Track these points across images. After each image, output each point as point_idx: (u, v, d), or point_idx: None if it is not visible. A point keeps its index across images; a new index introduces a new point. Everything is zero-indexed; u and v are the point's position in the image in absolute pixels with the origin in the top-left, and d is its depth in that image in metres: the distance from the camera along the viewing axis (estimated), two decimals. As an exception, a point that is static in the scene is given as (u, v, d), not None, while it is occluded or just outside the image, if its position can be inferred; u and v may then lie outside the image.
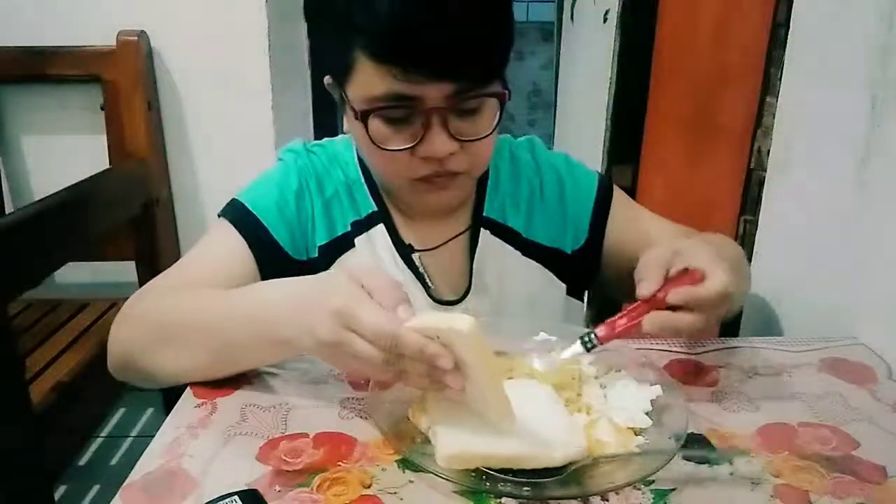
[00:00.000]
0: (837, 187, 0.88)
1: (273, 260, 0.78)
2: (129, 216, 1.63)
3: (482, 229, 0.83)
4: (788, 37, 1.00)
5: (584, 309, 0.97)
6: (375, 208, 0.82)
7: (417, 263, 0.82)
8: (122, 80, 1.65)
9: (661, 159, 1.76)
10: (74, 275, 1.72)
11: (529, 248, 0.85)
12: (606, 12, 1.93)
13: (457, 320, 0.52)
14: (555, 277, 0.87)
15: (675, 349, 0.78)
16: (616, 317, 0.65)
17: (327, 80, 0.75)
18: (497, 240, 0.84)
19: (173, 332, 0.68)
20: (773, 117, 1.04)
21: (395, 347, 0.53)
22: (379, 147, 0.70)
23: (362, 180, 0.83)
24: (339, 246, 0.81)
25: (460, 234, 0.84)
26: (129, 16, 1.66)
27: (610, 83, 1.88)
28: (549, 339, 0.71)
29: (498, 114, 0.71)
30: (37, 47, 1.67)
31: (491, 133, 0.72)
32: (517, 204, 0.85)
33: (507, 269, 0.84)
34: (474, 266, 0.83)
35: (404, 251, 0.82)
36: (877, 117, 0.81)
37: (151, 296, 0.74)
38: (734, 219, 1.27)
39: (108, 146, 1.71)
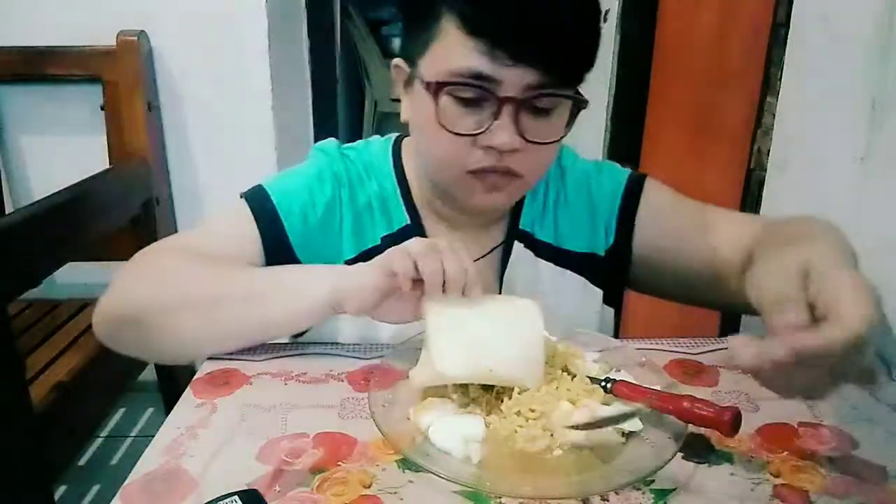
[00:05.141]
0: (837, 187, 0.88)
1: (281, 259, 0.76)
2: (129, 216, 1.63)
3: (516, 242, 0.81)
4: (788, 37, 1.00)
5: (614, 318, 0.93)
6: (408, 222, 0.80)
7: None
8: (122, 80, 1.65)
9: (661, 159, 1.76)
10: (74, 275, 1.71)
11: (561, 258, 0.83)
12: (606, 12, 1.93)
13: None
14: (589, 284, 0.84)
15: (675, 349, 0.78)
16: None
17: (397, 62, 0.73)
18: (529, 252, 0.82)
19: (203, 297, 0.67)
20: (773, 117, 1.04)
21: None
22: (443, 127, 0.67)
23: (398, 192, 0.80)
24: (367, 260, 0.79)
25: (495, 248, 0.81)
26: (129, 16, 1.66)
27: (610, 83, 1.88)
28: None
29: (569, 120, 0.69)
30: (37, 47, 1.66)
31: (559, 140, 0.69)
32: (545, 213, 0.83)
33: (538, 282, 0.82)
34: (504, 280, 0.81)
35: None
36: (877, 117, 0.81)
37: (168, 257, 0.72)
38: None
39: (108, 146, 1.70)
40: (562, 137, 0.70)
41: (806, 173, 0.97)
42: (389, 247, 0.78)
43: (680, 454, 0.57)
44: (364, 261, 0.77)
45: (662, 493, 0.54)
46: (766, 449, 0.60)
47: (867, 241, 0.83)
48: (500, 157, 0.68)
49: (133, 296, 0.69)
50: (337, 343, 0.78)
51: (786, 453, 0.59)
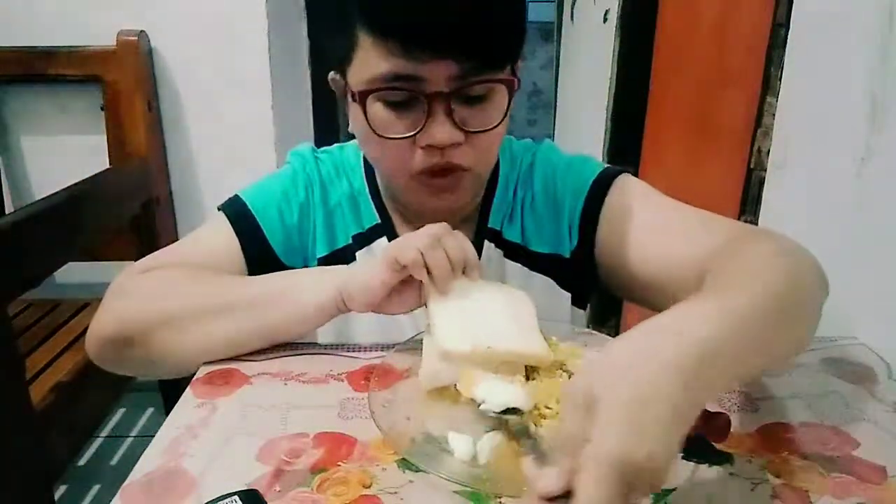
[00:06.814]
0: (837, 187, 0.88)
1: (263, 262, 0.77)
2: (129, 216, 1.64)
3: (486, 241, 0.80)
4: (788, 37, 1.00)
5: (586, 316, 0.92)
6: (378, 221, 0.80)
7: None
8: (122, 80, 1.65)
9: (661, 159, 1.76)
10: (74, 275, 1.72)
11: (529, 259, 0.81)
12: (606, 12, 1.93)
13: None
14: (557, 287, 0.82)
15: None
16: None
17: (332, 75, 0.72)
18: (499, 252, 0.81)
19: (209, 308, 0.69)
20: (773, 117, 1.04)
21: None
22: (378, 135, 0.66)
23: (367, 191, 0.81)
24: (339, 259, 0.79)
25: None
26: (129, 16, 1.67)
27: (610, 83, 1.88)
28: None
29: (506, 104, 0.67)
30: (37, 47, 1.67)
31: (499, 125, 0.67)
32: (513, 214, 0.81)
33: (508, 283, 0.79)
34: None
35: None
36: (877, 117, 0.81)
37: (161, 274, 0.73)
38: (734, 219, 1.26)
39: (108, 146, 1.71)
40: (503, 121, 0.68)
41: (806, 173, 0.96)
42: (360, 246, 0.81)
43: (680, 454, 0.57)
44: (336, 259, 0.79)
45: (662, 493, 0.54)
46: (766, 449, 0.60)
47: (867, 241, 0.83)
48: (443, 154, 0.67)
49: (133, 314, 0.70)
50: (337, 343, 0.78)
51: (786, 453, 0.59)
